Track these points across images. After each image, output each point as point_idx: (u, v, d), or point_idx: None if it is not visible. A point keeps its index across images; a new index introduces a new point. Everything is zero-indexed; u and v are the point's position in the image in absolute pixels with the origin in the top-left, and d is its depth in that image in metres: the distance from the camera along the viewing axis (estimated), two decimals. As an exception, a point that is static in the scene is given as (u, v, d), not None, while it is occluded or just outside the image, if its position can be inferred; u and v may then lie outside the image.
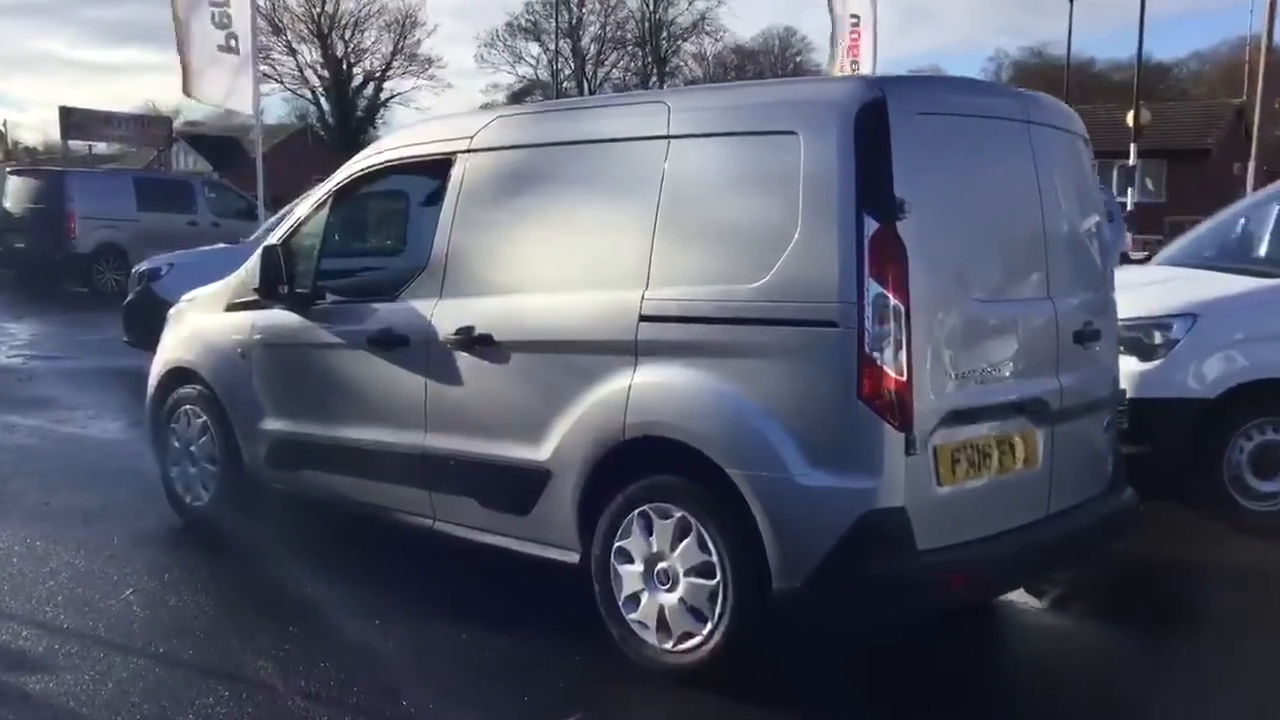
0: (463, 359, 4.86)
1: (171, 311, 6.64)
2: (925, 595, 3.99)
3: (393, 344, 5.12)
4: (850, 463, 3.88)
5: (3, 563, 5.57)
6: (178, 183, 23.82)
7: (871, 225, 3.85)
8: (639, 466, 4.34)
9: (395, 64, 61.99)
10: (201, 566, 5.56)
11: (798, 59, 69.28)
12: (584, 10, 61.59)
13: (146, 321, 11.44)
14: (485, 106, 62.24)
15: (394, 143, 5.53)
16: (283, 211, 11.49)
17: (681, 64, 65.30)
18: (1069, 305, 4.51)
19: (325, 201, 5.69)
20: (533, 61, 62.15)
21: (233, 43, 12.65)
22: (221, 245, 12.21)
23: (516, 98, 58.09)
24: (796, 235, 3.96)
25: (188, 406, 6.18)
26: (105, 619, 4.85)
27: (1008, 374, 4.24)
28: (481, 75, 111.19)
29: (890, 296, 3.84)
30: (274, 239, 5.81)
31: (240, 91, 12.79)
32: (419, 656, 4.52)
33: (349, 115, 62.29)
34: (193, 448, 6.17)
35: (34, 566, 5.51)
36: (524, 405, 4.69)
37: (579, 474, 4.48)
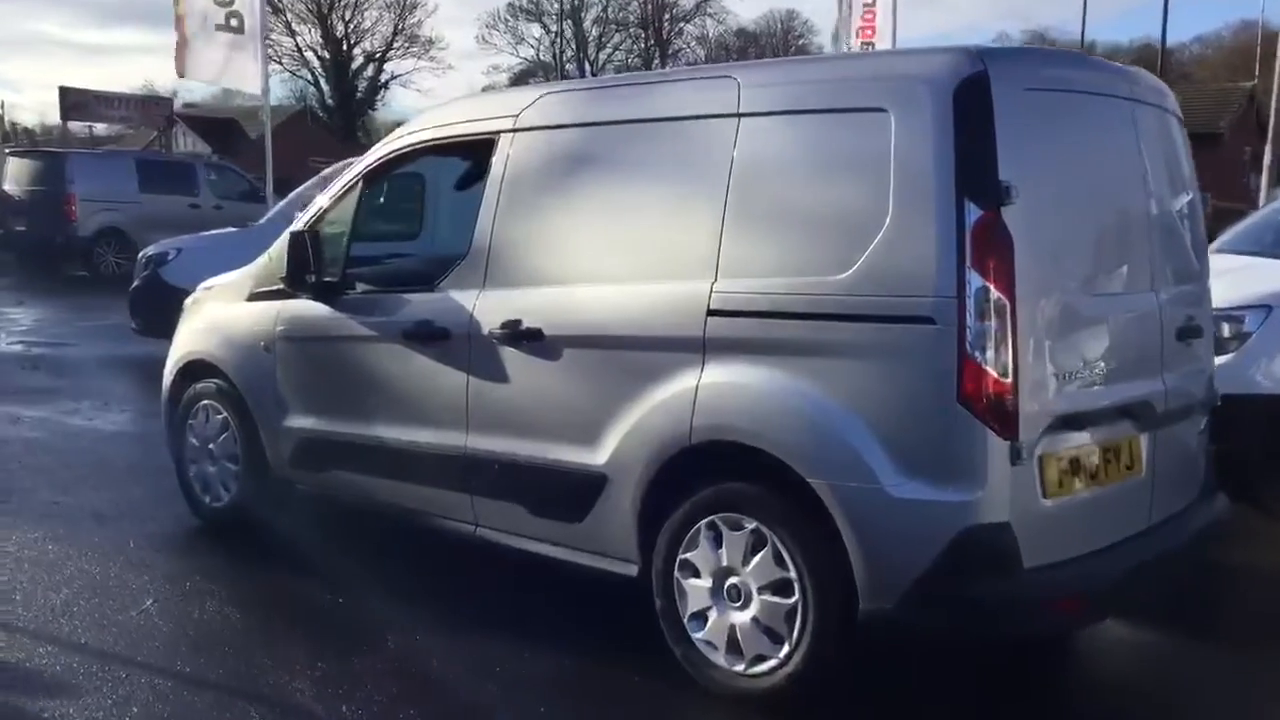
0: (509, 354, 4.52)
1: (188, 301, 6.28)
2: (1032, 619, 3.65)
3: (431, 338, 4.78)
4: (949, 473, 3.54)
5: (13, 570, 5.22)
6: (180, 164, 23.37)
7: (974, 212, 3.50)
8: (707, 473, 4.01)
9: (396, 45, 61.45)
10: (225, 573, 5.23)
11: (800, 41, 68.91)
12: (586, -9, 61.00)
13: (154, 308, 11.13)
14: (487, 89, 62.08)
15: (427, 123, 5.17)
16: (293, 195, 11.13)
17: (684, 46, 64.78)
18: (1172, 299, 4.17)
19: (353, 185, 5.33)
20: (534, 43, 61.66)
21: (234, 21, 12.22)
22: (231, 229, 11.82)
23: (518, 80, 57.65)
24: (887, 223, 3.61)
25: (207, 402, 5.83)
26: (126, 634, 4.51)
27: (1113, 375, 3.89)
28: (483, 57, 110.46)
29: (994, 290, 3.49)
30: (299, 225, 5.46)
31: (242, 70, 12.37)
32: (467, 676, 4.18)
33: (349, 97, 61.76)
34: (212, 445, 5.82)
35: (47, 574, 5.17)
36: (577, 405, 4.35)
37: (639, 480, 4.14)
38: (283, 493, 5.60)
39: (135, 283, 11.49)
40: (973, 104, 3.56)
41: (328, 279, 5.22)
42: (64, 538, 5.66)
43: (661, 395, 4.07)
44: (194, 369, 5.92)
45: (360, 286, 5.28)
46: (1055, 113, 3.77)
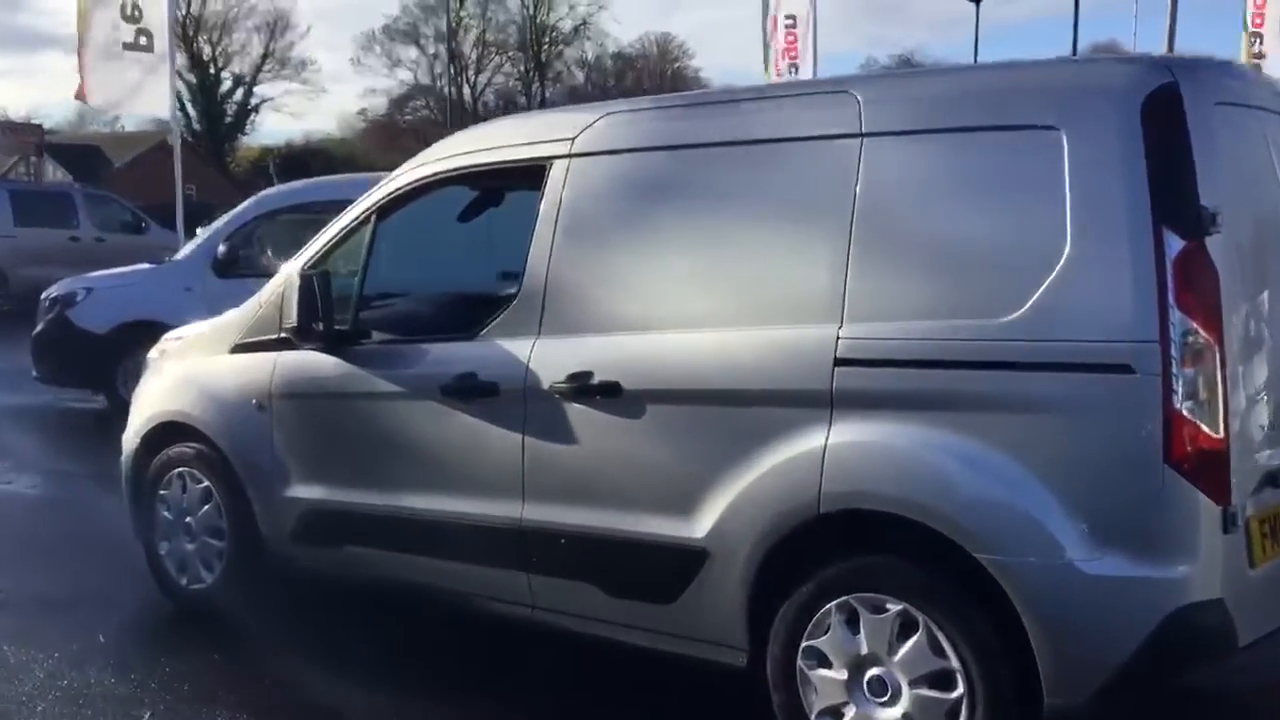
0: (576, 412, 3.92)
1: (152, 354, 5.52)
2: (1247, 706, 3.19)
3: (476, 393, 4.15)
4: (1153, 544, 3.06)
5: (-35, 683, 4.42)
6: (56, 194, 22.06)
7: (1174, 243, 3.04)
8: (838, 546, 3.48)
9: (266, 68, 59.66)
10: (226, 671, 4.50)
11: (675, 65, 69.23)
12: (463, 14, 60.13)
13: (61, 354, 10.21)
14: (361, 113, 60.74)
15: (456, 149, 4.54)
16: (217, 225, 10.28)
17: (564, 69, 64.41)
18: None
19: (365, 219, 4.68)
20: (411, 66, 60.52)
21: (144, 39, 11.32)
22: (144, 265, 10.90)
23: (399, 103, 56.55)
24: (1065, 256, 3.14)
25: (183, 469, 5.09)
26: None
27: None
28: (358, 80, 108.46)
29: (1200, 332, 3.04)
30: (298, 265, 4.78)
31: (153, 93, 11.47)
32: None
33: (217, 121, 59.75)
34: (190, 519, 5.08)
35: (10, 688, 4.36)
36: (667, 470, 3.78)
37: (749, 554, 3.58)
38: (281, 572, 4.88)
39: (39, 326, 10.48)
40: (1164, 119, 3.11)
41: (338, 327, 4.55)
42: (19, 635, 4.85)
43: (777, 458, 3.52)
44: (165, 432, 5.17)
45: (376, 335, 4.62)
46: (1235, 129, 3.34)
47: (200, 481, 5.03)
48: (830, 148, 3.58)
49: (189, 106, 60.08)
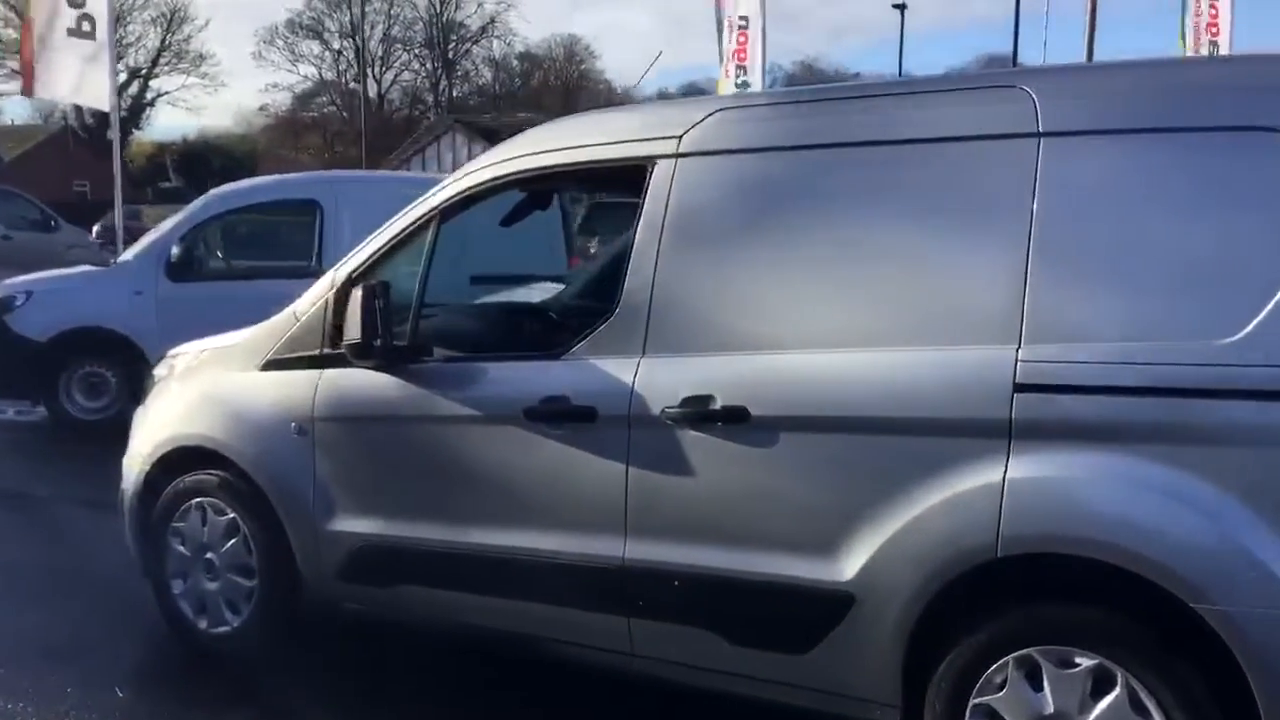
0: (694, 441, 3.52)
1: (159, 370, 4.98)
2: None
3: (568, 419, 3.73)
4: None
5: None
6: (-41, 191, 20.86)
7: None
8: (1016, 593, 3.13)
9: (163, 60, 57.74)
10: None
11: (582, 66, 68.96)
12: (369, 9, 58.91)
13: (-1, 363, 9.44)
14: (263, 109, 59.14)
15: (533, 146, 4.09)
16: (167, 227, 9.60)
17: (472, 67, 63.60)
18: None
19: (424, 223, 4.20)
20: (315, 61, 59.08)
21: (86, 25, 10.56)
22: (89, 268, 10.18)
23: (304, 99, 55.20)
24: (1299, 272, 2.83)
25: (204, 500, 4.56)
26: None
27: None
28: (259, 74, 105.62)
29: None
30: (345, 271, 4.29)
31: (94, 83, 10.71)
32: None
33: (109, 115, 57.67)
34: (212, 555, 4.56)
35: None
36: (805, 507, 3.40)
37: (908, 601, 3.22)
38: (322, 615, 4.39)
39: (-29, 334, 9.69)
40: None
41: (396, 343, 4.08)
42: (25, 692, 4.27)
43: (942, 494, 3.17)
44: (181, 458, 4.63)
45: (439, 352, 4.16)
46: None
47: (224, 513, 4.51)
48: (999, 148, 3.23)
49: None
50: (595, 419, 3.68)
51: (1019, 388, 3.08)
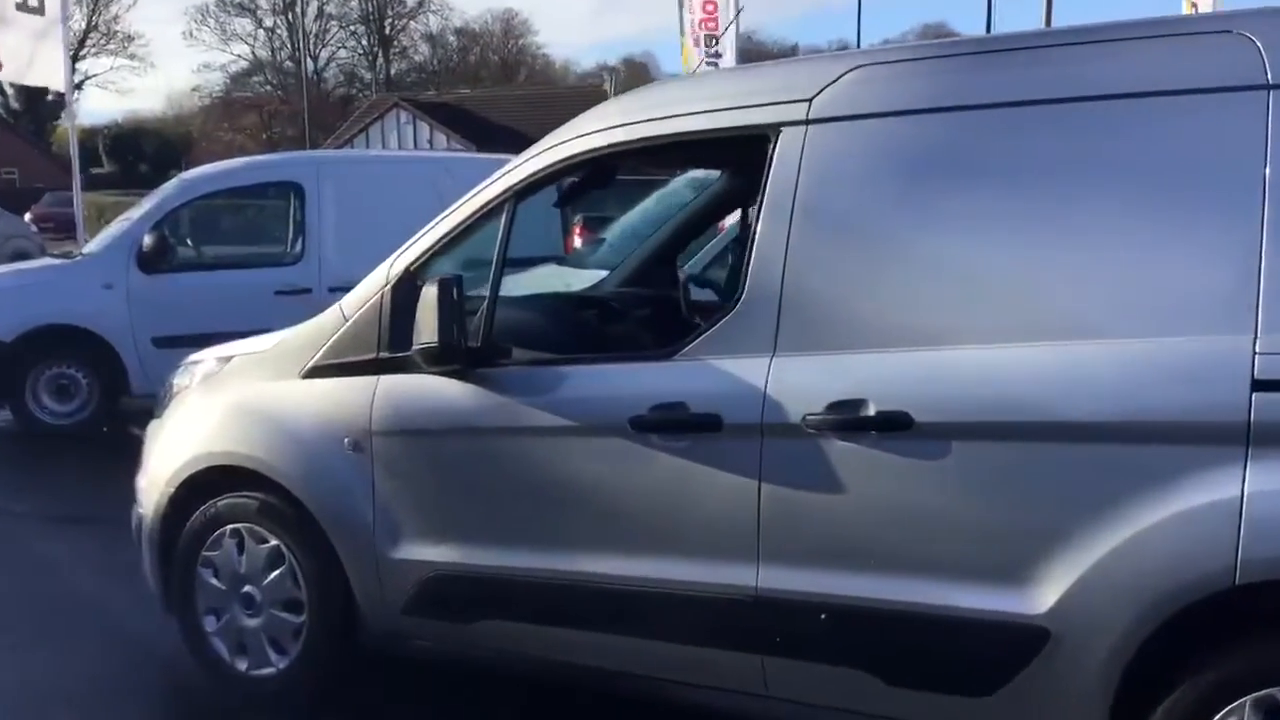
0: (842, 452, 3.05)
1: (177, 379, 4.40)
2: None
3: (686, 428, 3.24)
4: None
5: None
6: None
7: None
8: (1251, 627, 2.70)
9: (90, 41, 56.00)
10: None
11: (520, 41, 68.14)
12: (303, -16, 57.52)
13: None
14: (195, 89, 57.49)
15: (625, 115, 3.56)
16: (140, 217, 8.90)
17: (409, 43, 62.41)
18: None
19: (499, 205, 3.67)
20: (249, 40, 57.59)
21: (34, 0, 9.80)
22: (50, 260, 9.46)
23: (238, 79, 53.80)
24: None
25: (240, 525, 4.02)
26: None
27: None
28: (190, 54, 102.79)
29: None
30: (403, 261, 3.76)
31: (48, 62, 9.96)
32: None
33: (38, 99, 55.83)
34: (251, 588, 4.02)
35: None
36: (983, 528, 2.94)
37: (1120, 636, 2.77)
38: (385, 653, 3.88)
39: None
40: None
41: (470, 344, 3.56)
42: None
43: (1161, 512, 2.72)
44: (212, 479, 4.07)
45: (519, 353, 3.64)
46: None
47: (266, 540, 3.97)
48: (1219, 104, 2.77)
49: (5, 84, 56.10)
50: (720, 428, 3.19)
51: (1258, 385, 2.64)
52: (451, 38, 65.83)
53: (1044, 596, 2.84)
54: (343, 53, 59.90)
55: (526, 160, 3.64)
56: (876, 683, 3.09)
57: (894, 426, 2.98)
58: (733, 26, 15.95)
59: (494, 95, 44.55)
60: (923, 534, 3.00)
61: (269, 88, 56.80)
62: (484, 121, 37.75)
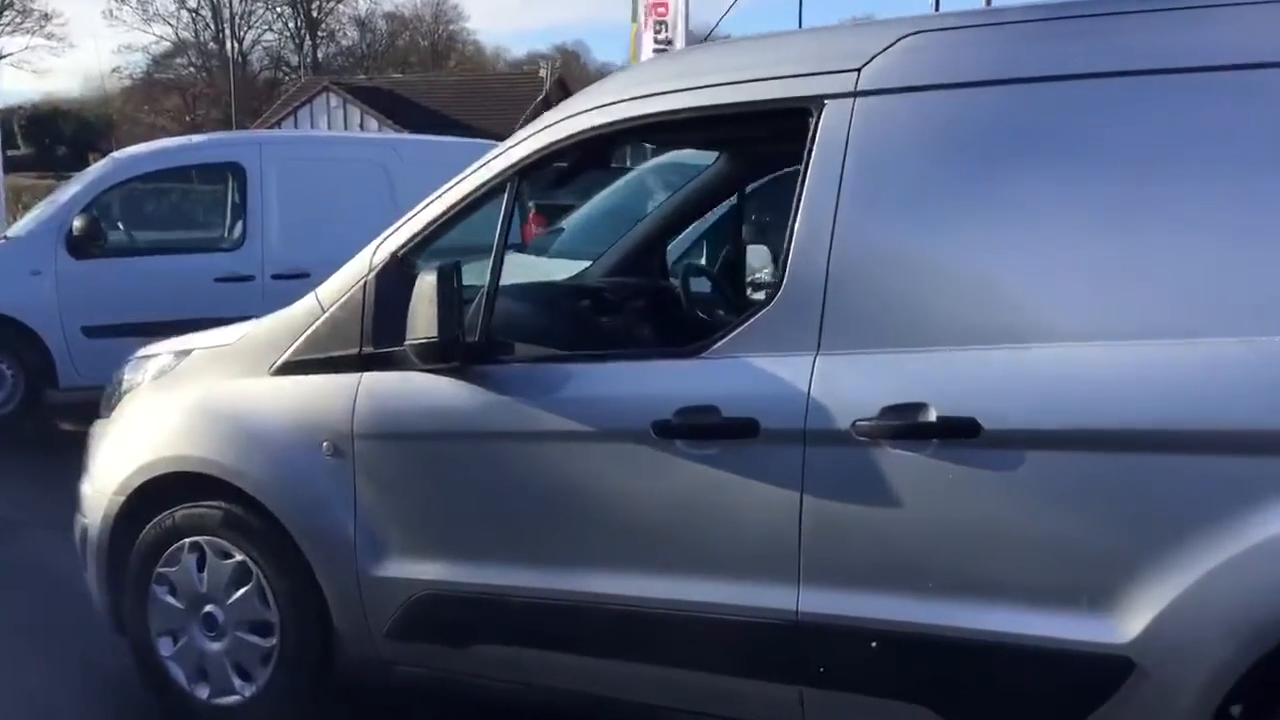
0: (897, 462, 2.74)
1: (128, 374, 3.97)
2: None
3: (718, 434, 2.91)
4: None
5: None
6: None
7: None
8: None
9: (5, 19, 54.08)
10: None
11: (450, 26, 67.23)
12: (227, -35, 56.11)
13: None
14: (116, 70, 55.77)
15: (644, 85, 3.18)
16: (71, 195, 8.37)
17: (337, 26, 61.24)
18: None
19: (500, 184, 3.29)
20: (171, 20, 56.04)
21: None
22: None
23: (161, 61, 52.42)
24: None
25: (202, 539, 3.61)
26: None
27: None
28: (112, 35, 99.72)
29: None
30: (389, 245, 3.38)
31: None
32: None
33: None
34: (214, 608, 3.62)
35: None
36: (1058, 546, 2.64)
37: (1214, 671, 2.50)
38: (365, 681, 3.50)
39: None
40: None
41: (468, 339, 3.19)
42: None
43: (1264, 531, 2.44)
44: (169, 487, 3.65)
45: (522, 349, 3.28)
46: None
47: (230, 555, 3.57)
48: None
49: (-89, 64, 54.03)
50: (757, 434, 2.86)
51: None
52: (381, 22, 64.70)
53: (1128, 624, 2.55)
54: (269, 35, 58.52)
55: (533, 135, 3.27)
56: (931, 715, 2.78)
57: (959, 434, 2.67)
58: (683, 11, 15.65)
59: (427, 80, 43.78)
60: (990, 554, 2.70)
61: (192, 70, 55.39)
62: (417, 107, 37.04)
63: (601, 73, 60.11)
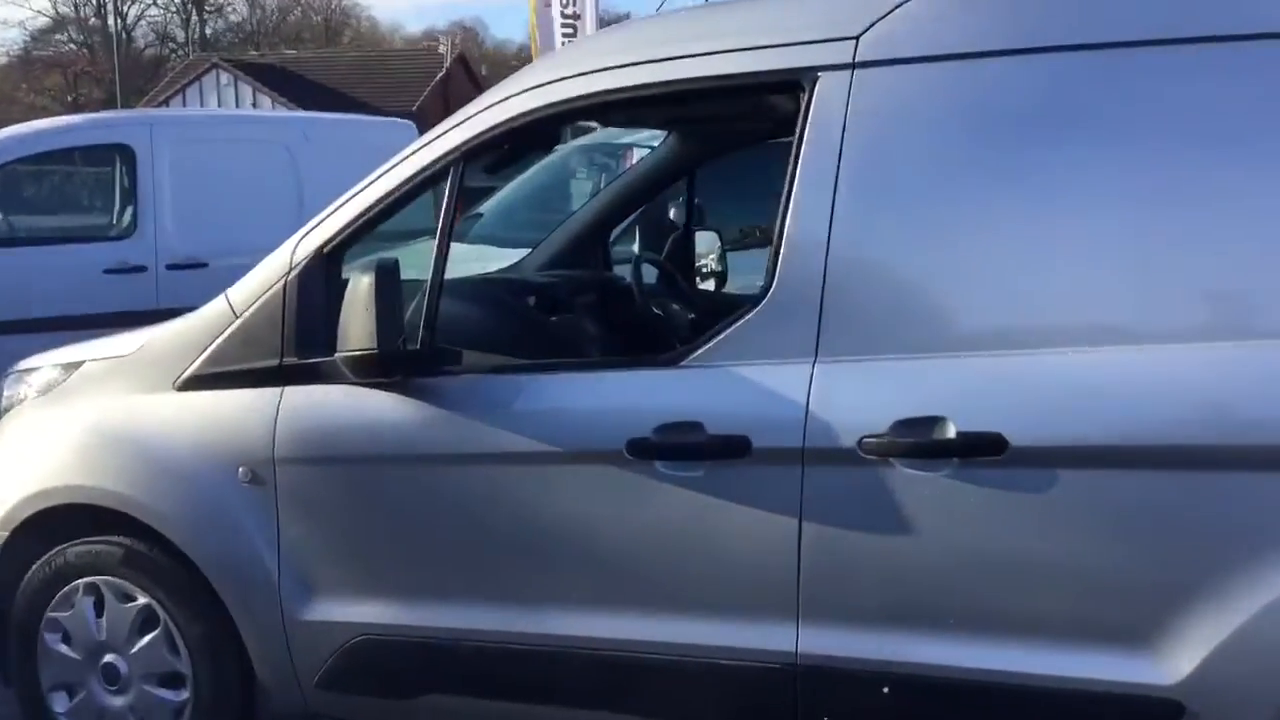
0: (911, 483, 2.41)
1: (7, 390, 3.48)
2: None
3: (702, 453, 2.55)
4: None
5: None
6: None
7: None
8: None
9: None
10: None
11: (343, 1, 65.77)
12: (106, -62, 53.95)
13: None
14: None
15: (607, 57, 2.78)
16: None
17: (226, 1, 59.34)
18: None
19: (442, 169, 2.87)
20: (49, -4, 53.75)
21: None
22: None
23: (39, 38, 50.30)
24: None
25: (99, 579, 3.16)
26: None
27: None
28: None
29: None
30: (313, 240, 2.94)
31: None
32: None
33: None
34: (115, 657, 3.16)
35: None
36: (1096, 577, 2.34)
37: (1275, 713, 2.21)
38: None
39: None
40: None
41: (411, 348, 2.78)
42: None
43: None
44: (59, 520, 3.18)
45: (470, 358, 2.87)
46: None
47: (133, 598, 3.12)
48: None
49: None
50: (748, 454, 2.51)
51: None
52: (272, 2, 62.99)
53: (1177, 663, 2.26)
54: (154, 10, 56.43)
55: (478, 113, 2.86)
56: (950, 769, 2.47)
57: (982, 451, 2.35)
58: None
59: (323, 57, 42.56)
60: (1018, 586, 2.39)
61: (73, 46, 53.24)
62: (313, 84, 35.94)
63: (501, 50, 59.30)
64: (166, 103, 36.44)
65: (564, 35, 11.63)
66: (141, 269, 7.54)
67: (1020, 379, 2.36)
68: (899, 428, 2.40)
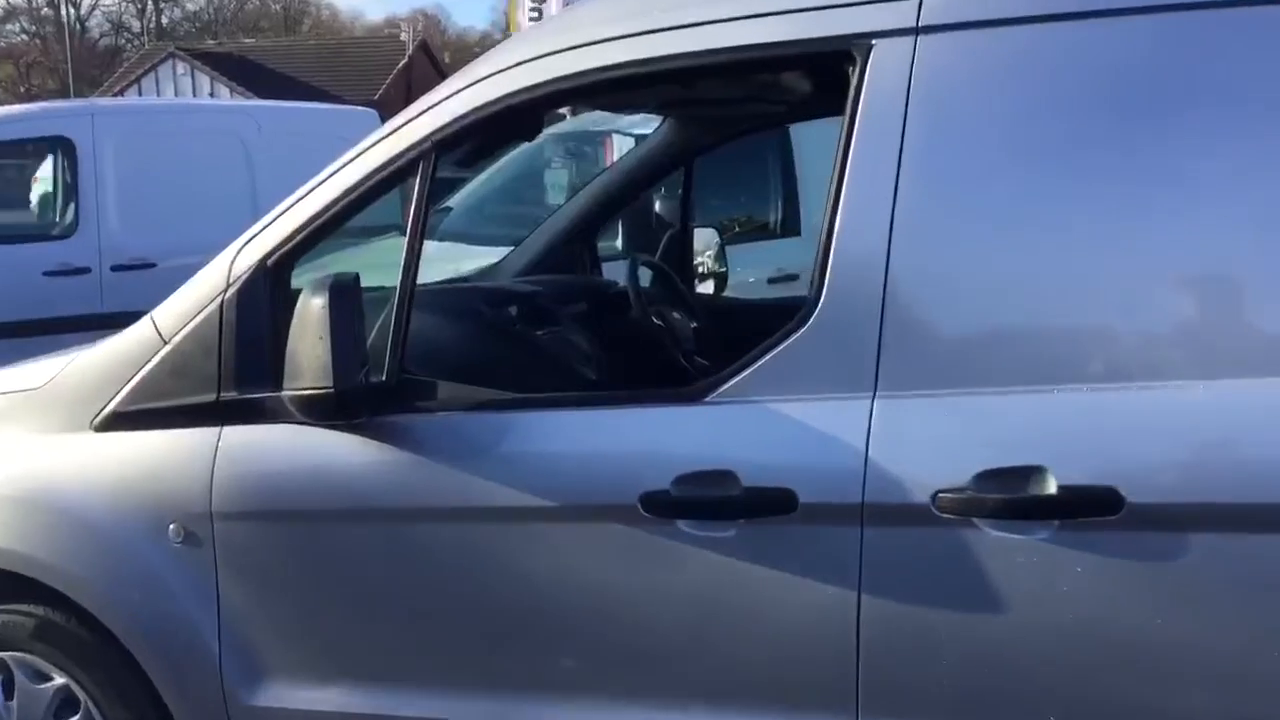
0: (999, 547, 1.95)
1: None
2: None
3: (734, 510, 2.08)
4: None
5: None
6: None
7: None
8: None
9: None
10: None
11: (303, -5, 64.89)
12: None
13: None
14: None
15: (606, 27, 2.28)
16: None
17: (184, -7, 58.30)
18: None
19: (410, 163, 2.36)
20: (3, -14, 52.55)
21: None
22: None
23: (-10, 27, 49.17)
24: None
25: (8, 655, 2.66)
26: None
27: None
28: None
29: None
30: (256, 248, 2.44)
31: None
32: None
33: None
34: (21, 746, 2.66)
35: None
36: (1246, 664, 1.89)
37: None
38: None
39: None
40: None
41: (374, 380, 2.28)
42: None
43: None
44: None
45: (446, 394, 2.37)
46: None
47: (49, 678, 2.62)
48: None
49: None
50: (793, 510, 2.03)
51: None
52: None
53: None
54: (108, 2, 55.49)
55: (453, 95, 2.35)
56: None
57: (1091, 511, 1.89)
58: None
59: (283, 45, 41.78)
60: (1138, 674, 1.93)
61: (24, 37, 52.11)
62: (273, 73, 35.19)
63: (463, 39, 58.63)
64: (122, 93, 35.59)
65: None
66: (84, 271, 7.06)
67: (1137, 419, 1.90)
68: (983, 480, 1.93)
